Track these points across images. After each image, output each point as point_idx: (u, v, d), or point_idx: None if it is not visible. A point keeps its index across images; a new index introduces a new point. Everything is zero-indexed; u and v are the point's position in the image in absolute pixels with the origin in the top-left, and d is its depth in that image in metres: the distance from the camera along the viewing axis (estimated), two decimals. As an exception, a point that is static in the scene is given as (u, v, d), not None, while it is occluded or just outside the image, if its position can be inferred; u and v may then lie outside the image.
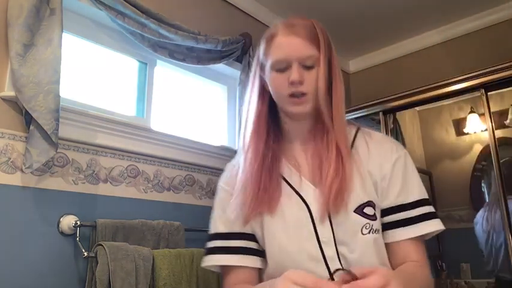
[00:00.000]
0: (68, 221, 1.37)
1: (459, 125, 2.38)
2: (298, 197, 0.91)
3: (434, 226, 0.90)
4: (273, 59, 0.92)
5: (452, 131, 2.44)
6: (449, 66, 2.46)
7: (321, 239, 0.87)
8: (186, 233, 1.63)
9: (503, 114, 2.11)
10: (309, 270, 0.83)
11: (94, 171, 1.51)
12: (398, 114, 2.40)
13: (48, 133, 1.28)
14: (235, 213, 0.93)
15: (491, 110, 1.90)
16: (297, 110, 0.92)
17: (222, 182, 1.01)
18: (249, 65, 2.09)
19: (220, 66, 2.10)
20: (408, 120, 2.56)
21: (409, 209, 0.91)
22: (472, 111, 2.29)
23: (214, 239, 0.96)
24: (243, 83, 2.07)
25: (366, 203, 0.88)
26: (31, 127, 1.31)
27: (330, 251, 0.86)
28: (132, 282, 1.33)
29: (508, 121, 2.12)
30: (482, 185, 2.18)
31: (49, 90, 1.31)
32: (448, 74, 2.04)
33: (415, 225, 0.89)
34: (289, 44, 0.92)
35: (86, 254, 1.33)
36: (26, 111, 1.30)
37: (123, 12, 1.59)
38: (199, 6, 2.08)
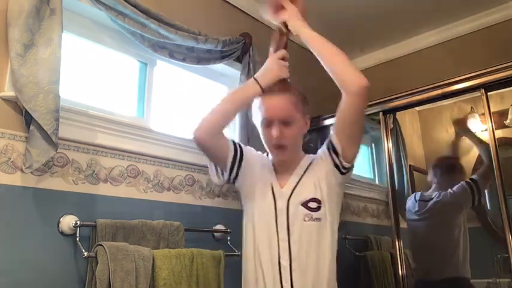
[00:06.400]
0: (68, 221, 1.37)
1: (459, 125, 2.38)
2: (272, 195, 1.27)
3: None
4: (261, 117, 1.27)
5: (452, 131, 2.44)
6: (449, 66, 2.45)
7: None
8: (186, 233, 1.63)
9: (503, 114, 2.11)
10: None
11: (94, 171, 1.51)
12: (398, 114, 2.39)
13: (48, 133, 1.28)
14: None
15: (491, 110, 1.90)
16: (279, 157, 1.30)
17: (254, 152, 1.38)
18: (249, 64, 2.09)
19: (220, 66, 2.10)
20: (408, 120, 2.56)
21: None
22: (472, 111, 2.29)
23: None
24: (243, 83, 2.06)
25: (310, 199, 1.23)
26: (31, 127, 1.31)
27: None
28: (132, 282, 1.33)
29: (508, 121, 2.12)
30: (482, 185, 2.18)
31: (49, 90, 1.31)
32: (448, 74, 2.04)
33: None
34: (271, 106, 1.25)
35: (86, 254, 1.33)
36: (26, 111, 1.30)
37: (123, 13, 1.59)
38: (199, 6, 2.08)
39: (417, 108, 2.47)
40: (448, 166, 2.30)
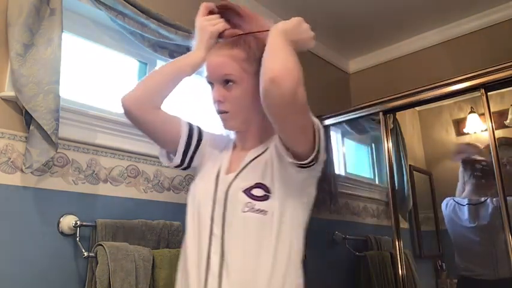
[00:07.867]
0: (68, 221, 1.37)
1: (459, 125, 2.38)
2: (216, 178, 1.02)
3: None
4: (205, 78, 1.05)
5: (452, 131, 2.44)
6: (449, 66, 2.46)
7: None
8: (186, 233, 1.63)
9: (503, 114, 2.11)
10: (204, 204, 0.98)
11: (94, 171, 1.51)
12: (398, 114, 2.40)
13: (48, 133, 1.28)
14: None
15: (491, 110, 1.90)
16: (224, 127, 1.07)
17: (219, 137, 1.18)
18: (249, 65, 2.09)
19: (220, 66, 2.10)
20: (408, 120, 2.56)
21: None
22: (472, 111, 2.29)
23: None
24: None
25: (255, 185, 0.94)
26: (31, 127, 1.31)
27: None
28: (132, 282, 1.33)
29: (508, 121, 2.12)
30: (483, 185, 2.18)
31: (49, 90, 1.31)
32: (448, 74, 2.04)
33: None
34: (210, 64, 1.04)
35: (86, 254, 1.33)
36: (26, 111, 1.30)
37: (123, 12, 1.59)
38: (200, 7, 2.08)
39: (417, 108, 2.47)
40: (482, 169, 2.23)
